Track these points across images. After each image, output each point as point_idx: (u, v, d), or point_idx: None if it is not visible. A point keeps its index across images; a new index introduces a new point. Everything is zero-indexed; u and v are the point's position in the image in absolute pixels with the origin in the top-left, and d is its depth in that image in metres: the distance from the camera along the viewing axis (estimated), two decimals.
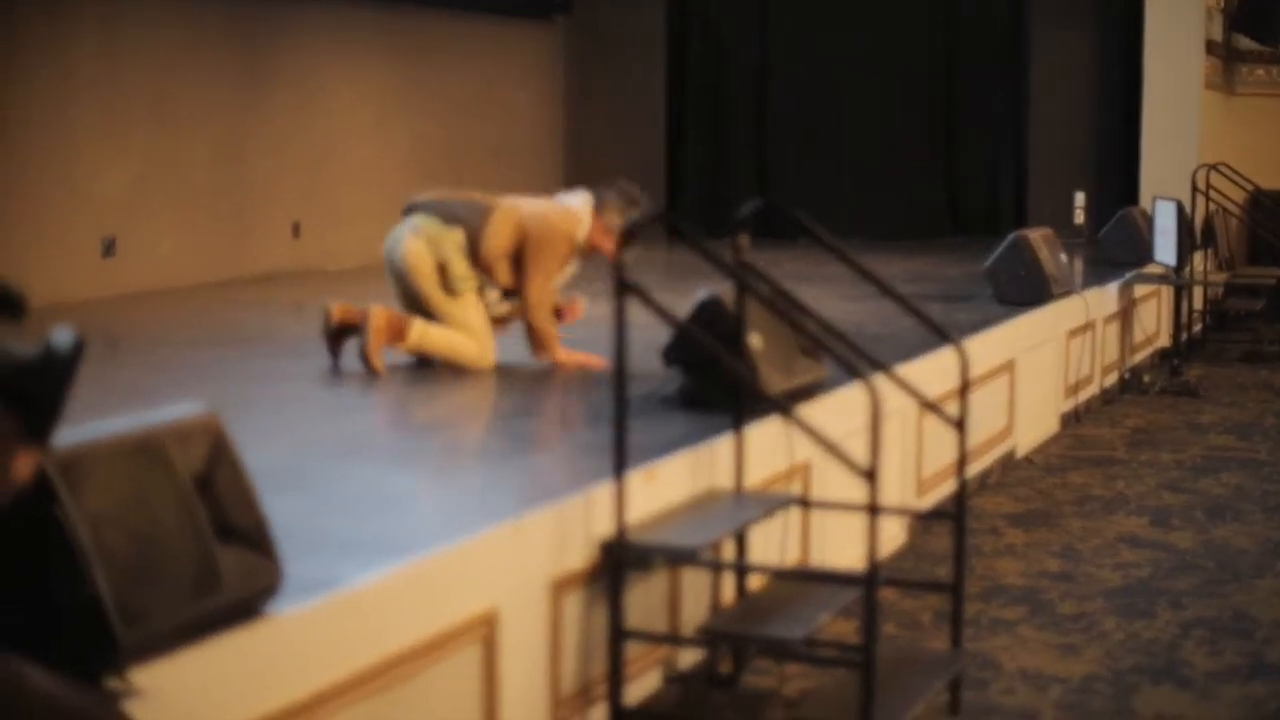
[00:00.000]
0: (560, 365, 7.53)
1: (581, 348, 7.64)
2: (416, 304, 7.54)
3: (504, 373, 7.65)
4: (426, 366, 7.52)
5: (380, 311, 7.45)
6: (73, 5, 10.30)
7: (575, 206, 7.65)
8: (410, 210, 7.76)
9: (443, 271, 7.50)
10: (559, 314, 7.71)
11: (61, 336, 2.35)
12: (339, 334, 7.58)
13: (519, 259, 7.53)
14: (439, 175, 13.62)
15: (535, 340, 7.54)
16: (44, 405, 2.33)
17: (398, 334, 7.42)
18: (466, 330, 7.49)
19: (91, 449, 3.50)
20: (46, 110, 10.07)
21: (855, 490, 5.15)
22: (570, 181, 15.76)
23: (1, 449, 2.31)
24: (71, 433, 3.31)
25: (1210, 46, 16.09)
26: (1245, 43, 17.18)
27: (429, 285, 7.50)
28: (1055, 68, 16.34)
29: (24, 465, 2.37)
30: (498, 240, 7.47)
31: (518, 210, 7.60)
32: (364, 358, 7.34)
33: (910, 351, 7.67)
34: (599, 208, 7.61)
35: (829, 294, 10.14)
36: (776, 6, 16.55)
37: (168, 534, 3.58)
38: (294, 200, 12.13)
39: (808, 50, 16.48)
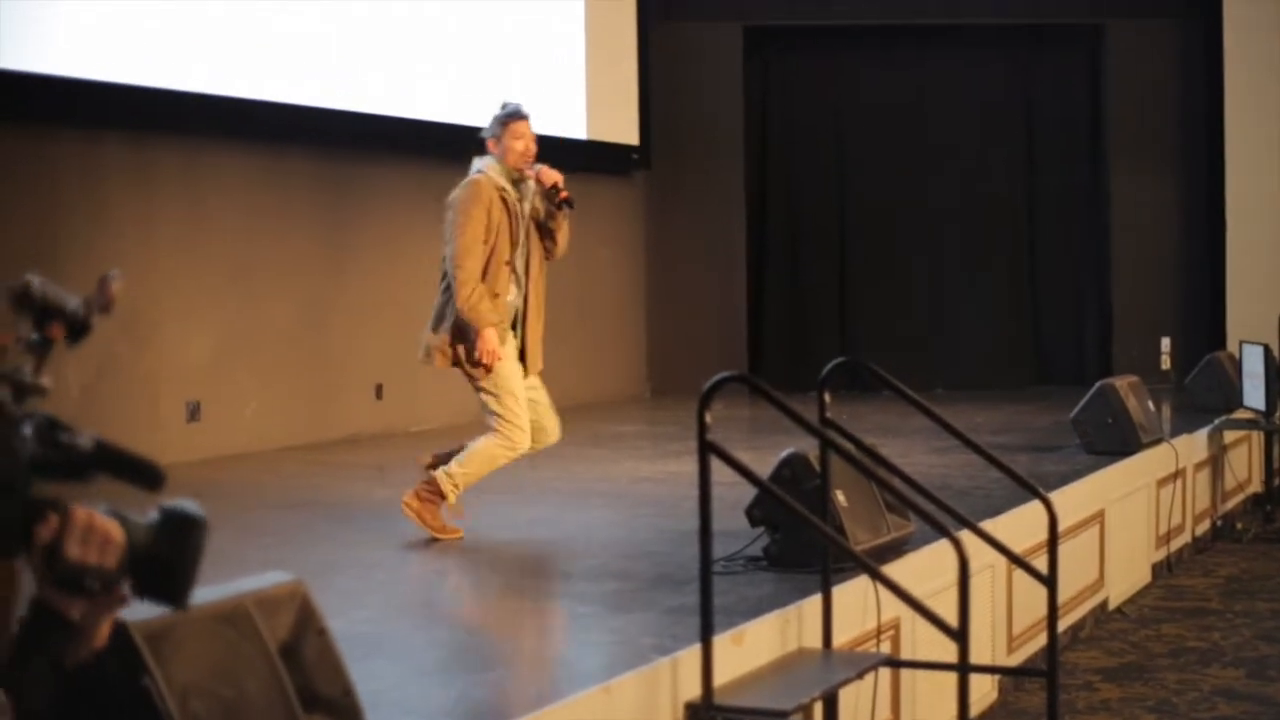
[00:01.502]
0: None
1: (668, 506, 7.63)
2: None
3: (586, 530, 7.62)
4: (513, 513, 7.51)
5: (408, 502, 7.45)
6: (157, 170, 10.46)
7: (475, 171, 7.66)
8: None
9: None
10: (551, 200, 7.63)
11: (189, 505, 2.43)
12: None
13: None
14: None
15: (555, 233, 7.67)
16: (175, 570, 2.40)
17: (435, 499, 7.44)
18: (510, 409, 7.42)
19: (179, 619, 3.48)
20: (131, 274, 10.18)
21: (945, 647, 5.08)
22: (653, 338, 15.86)
23: (103, 613, 2.36)
24: None
25: None
26: None
27: (466, 380, 7.51)
28: (1137, 211, 16.33)
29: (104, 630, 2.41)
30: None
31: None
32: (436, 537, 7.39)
33: (999, 504, 7.62)
34: (487, 143, 7.67)
35: (915, 447, 10.11)
36: (855, 156, 16.65)
37: (254, 704, 3.56)
38: (376, 361, 12.20)
39: (887, 198, 16.55)
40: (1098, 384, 10.55)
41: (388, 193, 12.45)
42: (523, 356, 7.64)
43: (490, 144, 7.66)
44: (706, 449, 4.84)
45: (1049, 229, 16.86)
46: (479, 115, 12.92)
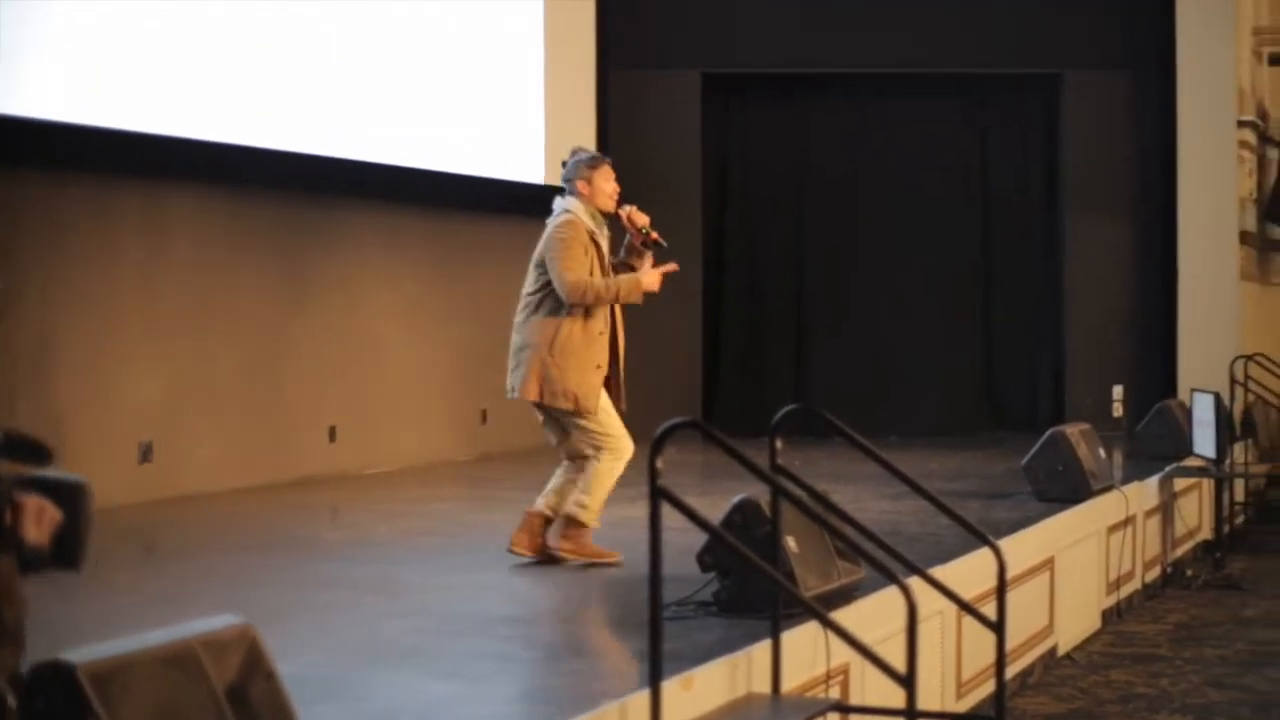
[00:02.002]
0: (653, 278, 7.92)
1: (616, 548, 7.66)
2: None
3: (541, 577, 7.64)
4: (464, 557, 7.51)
5: (562, 547, 7.78)
6: (117, 211, 10.45)
7: (565, 210, 7.90)
8: None
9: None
10: (641, 240, 8.03)
11: (69, 475, 2.65)
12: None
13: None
14: (479, 380, 13.73)
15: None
16: (72, 536, 2.56)
17: (580, 531, 7.80)
18: (606, 424, 7.84)
19: (125, 661, 3.48)
20: (89, 313, 10.17)
21: (895, 693, 5.10)
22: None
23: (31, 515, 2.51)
24: (105, 644, 3.32)
25: (1244, 237, 16.19)
26: (1279, 233, 17.27)
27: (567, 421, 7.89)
28: (1091, 260, 16.44)
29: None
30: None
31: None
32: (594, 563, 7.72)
33: (950, 551, 7.65)
34: (576, 184, 7.91)
35: (867, 493, 10.14)
36: (812, 203, 16.73)
37: None
38: (330, 404, 12.19)
39: (844, 245, 16.65)
40: (1049, 431, 10.60)
41: (345, 235, 12.46)
42: (608, 388, 8.01)
43: (580, 185, 7.93)
44: (657, 494, 4.85)
45: (1004, 276, 16.96)
46: (439, 159, 13.07)
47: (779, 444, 5.77)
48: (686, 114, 16.32)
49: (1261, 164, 17.22)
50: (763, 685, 5.64)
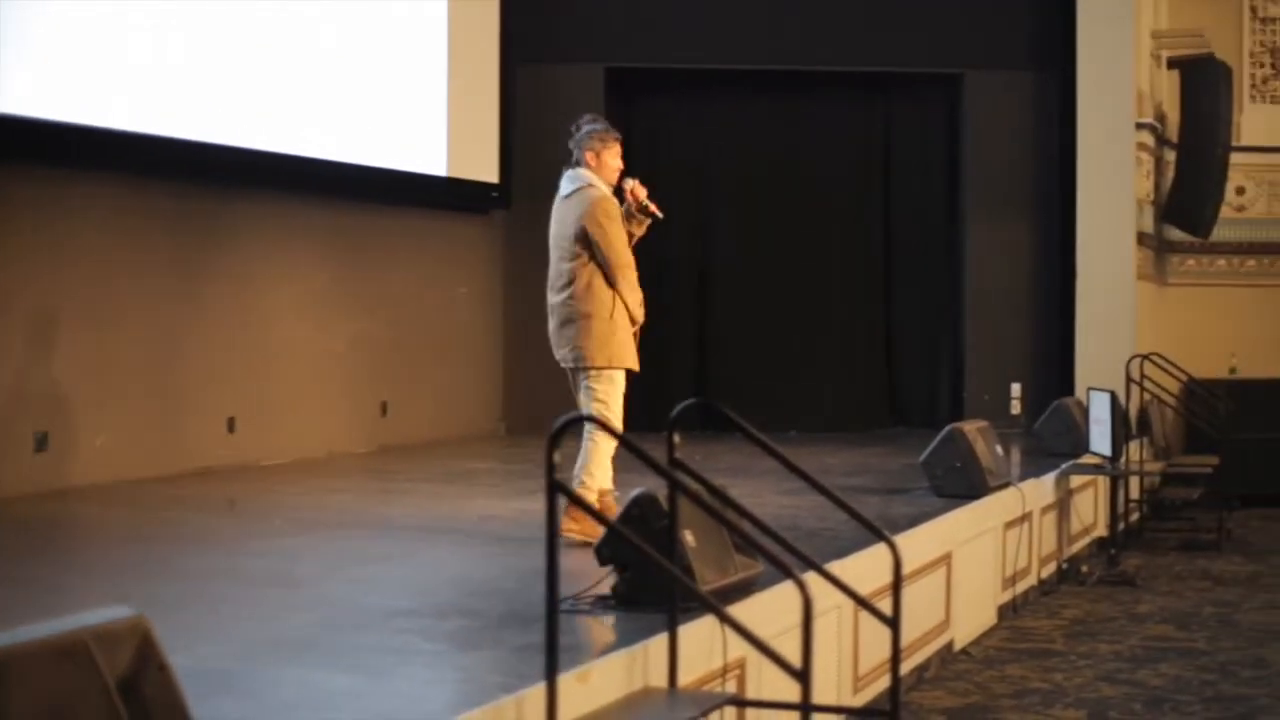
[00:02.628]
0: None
1: (518, 543, 7.67)
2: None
3: (435, 567, 7.62)
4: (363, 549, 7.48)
5: (568, 528, 7.75)
6: (11, 200, 10.34)
7: (589, 184, 8.40)
8: None
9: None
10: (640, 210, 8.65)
11: None
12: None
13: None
14: (377, 370, 13.70)
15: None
16: None
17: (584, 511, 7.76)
18: (614, 399, 8.37)
19: (13, 653, 3.44)
20: None
21: (791, 687, 5.12)
22: (509, 376, 15.85)
23: None
24: None
25: (1142, 238, 16.35)
26: (1175, 234, 17.47)
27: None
28: (991, 258, 16.56)
29: None
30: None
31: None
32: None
33: (847, 546, 7.68)
34: (585, 155, 8.43)
35: (766, 488, 10.18)
36: (716, 199, 16.75)
37: None
38: (229, 395, 12.11)
39: (748, 241, 16.66)
40: (947, 428, 10.67)
41: (246, 226, 12.38)
42: None
43: (589, 157, 8.42)
44: (555, 488, 4.85)
45: (906, 274, 17.06)
46: (340, 149, 12.99)
47: (678, 438, 5.78)
48: (590, 109, 16.26)
49: (1159, 166, 17.40)
50: (659, 679, 5.64)
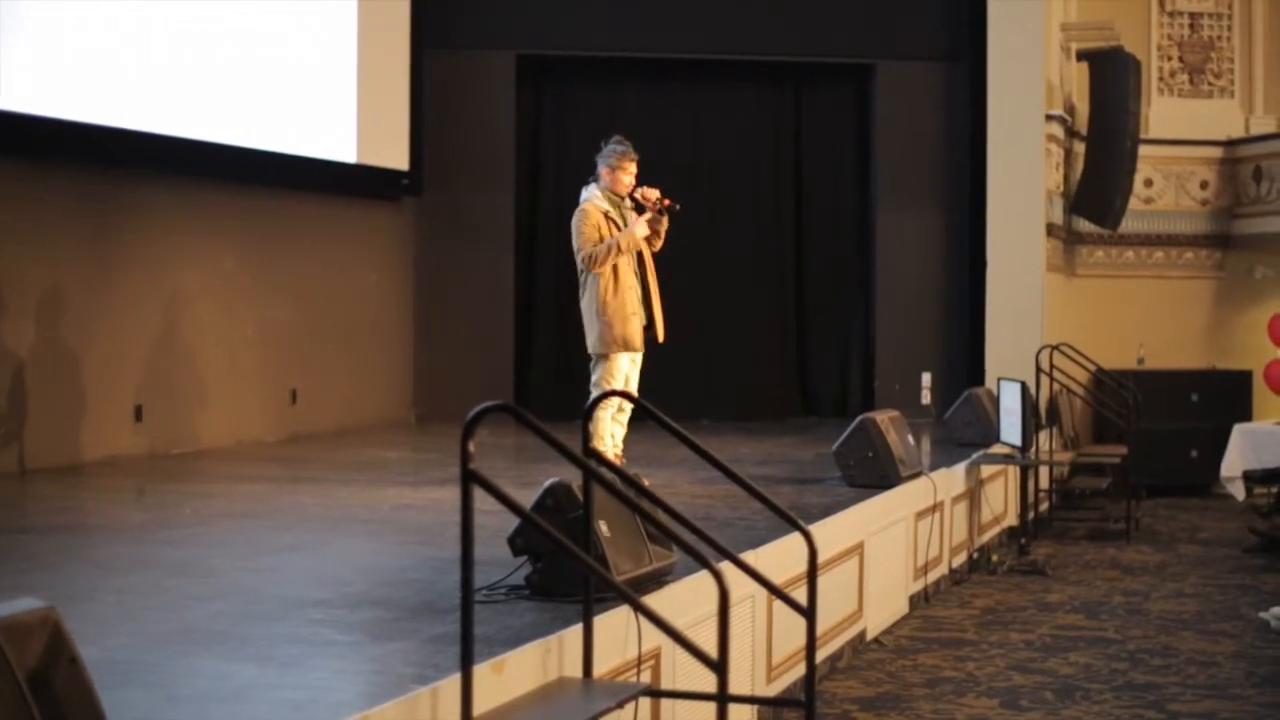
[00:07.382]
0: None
1: (431, 533, 7.61)
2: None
3: (346, 557, 7.56)
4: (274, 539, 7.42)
5: None
6: None
7: (584, 200, 9.92)
8: None
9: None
10: (656, 210, 9.96)
11: None
12: None
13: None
14: (287, 358, 13.60)
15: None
16: None
17: None
18: (611, 373, 9.84)
19: None
20: None
21: (706, 677, 5.10)
22: (420, 364, 15.78)
23: None
24: None
25: (1051, 229, 16.46)
26: (1085, 225, 17.59)
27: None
28: (902, 248, 16.64)
29: None
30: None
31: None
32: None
33: (761, 536, 7.67)
34: (600, 169, 9.97)
35: (680, 477, 10.18)
36: None
37: None
38: (137, 383, 11.98)
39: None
40: (859, 418, 10.68)
41: (153, 212, 12.25)
42: (649, 328, 10.00)
43: (604, 172, 10.02)
44: (469, 477, 4.81)
45: (816, 264, 17.11)
46: (249, 135, 12.88)
47: (590, 427, 5.75)
48: (501, 96, 16.27)
49: (1068, 158, 17.52)
50: (574, 669, 5.62)
